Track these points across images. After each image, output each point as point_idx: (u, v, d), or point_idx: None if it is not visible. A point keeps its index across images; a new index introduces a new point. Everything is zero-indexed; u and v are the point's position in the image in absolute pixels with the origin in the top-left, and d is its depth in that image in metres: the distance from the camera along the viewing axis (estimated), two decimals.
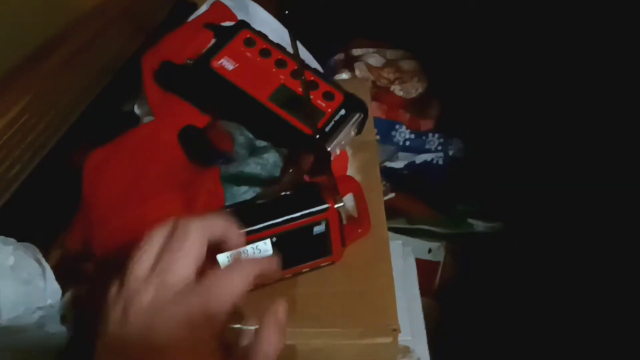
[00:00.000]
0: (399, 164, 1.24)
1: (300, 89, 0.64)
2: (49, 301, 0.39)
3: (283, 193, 0.56)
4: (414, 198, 1.19)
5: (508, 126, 1.17)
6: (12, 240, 0.39)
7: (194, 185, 0.60)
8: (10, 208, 0.51)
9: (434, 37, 1.27)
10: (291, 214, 0.54)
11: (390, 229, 0.93)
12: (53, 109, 0.60)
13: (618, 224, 0.94)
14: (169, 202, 0.59)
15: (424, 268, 1.04)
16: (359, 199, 0.61)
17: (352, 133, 0.67)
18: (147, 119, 0.71)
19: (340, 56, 1.29)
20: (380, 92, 1.24)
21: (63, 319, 0.51)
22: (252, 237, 0.53)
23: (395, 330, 0.53)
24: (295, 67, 0.65)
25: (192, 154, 0.64)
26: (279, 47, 0.67)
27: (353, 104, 0.65)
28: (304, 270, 0.58)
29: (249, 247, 0.53)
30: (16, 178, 0.54)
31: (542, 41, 1.14)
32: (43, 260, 0.40)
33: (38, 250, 0.40)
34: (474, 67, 1.24)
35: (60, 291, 0.40)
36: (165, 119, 0.67)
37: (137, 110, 0.75)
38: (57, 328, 0.48)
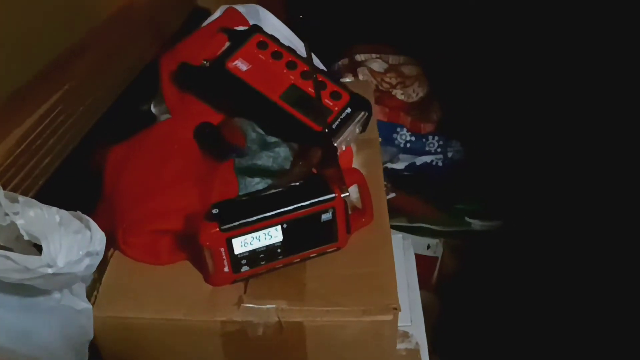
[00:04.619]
0: (399, 165, 1.29)
1: (310, 89, 0.70)
2: (97, 247, 0.44)
3: (293, 184, 0.61)
4: (414, 198, 1.23)
5: (506, 129, 1.21)
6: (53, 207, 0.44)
7: (209, 177, 0.65)
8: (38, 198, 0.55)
9: (435, 44, 1.32)
10: (301, 202, 0.59)
11: (391, 227, 0.98)
12: (80, 107, 0.65)
13: (612, 224, 0.98)
14: (186, 192, 0.64)
15: (423, 263, 1.09)
16: (363, 190, 0.65)
17: (357, 130, 0.72)
18: (163, 117, 0.76)
19: (344, 61, 1.34)
20: (383, 96, 1.29)
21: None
22: (264, 224, 0.58)
23: (396, 309, 0.57)
24: (305, 69, 0.70)
25: (206, 149, 0.69)
26: (289, 49, 0.72)
27: (358, 103, 0.70)
28: (311, 255, 0.62)
29: (260, 232, 0.58)
30: (46, 170, 0.59)
31: (538, 46, 1.18)
32: (84, 216, 0.45)
33: (74, 211, 0.46)
34: (474, 72, 1.29)
35: (104, 238, 0.46)
36: (181, 117, 0.72)
37: (153, 109, 0.79)
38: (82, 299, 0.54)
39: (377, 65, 1.34)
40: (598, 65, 1.07)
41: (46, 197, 0.62)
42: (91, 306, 0.57)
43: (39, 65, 0.69)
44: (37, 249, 0.48)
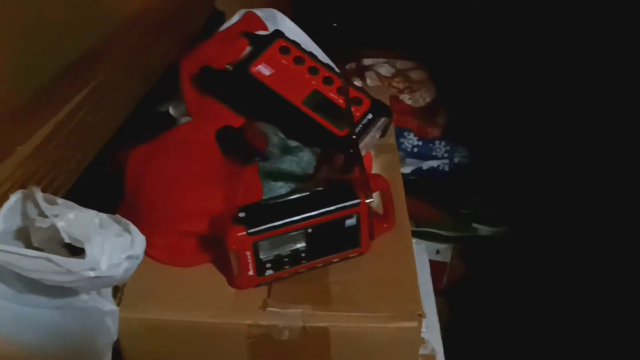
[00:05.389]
0: (406, 170, 1.30)
1: (331, 94, 0.70)
2: (138, 250, 0.44)
3: (318, 188, 0.62)
4: (421, 202, 1.23)
5: (512, 135, 1.22)
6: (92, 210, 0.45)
7: (233, 179, 0.65)
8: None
9: (442, 49, 1.32)
10: (326, 207, 0.59)
11: None
12: (107, 108, 0.65)
13: (618, 226, 0.99)
14: (210, 194, 0.64)
15: (433, 268, 1.09)
16: (386, 196, 0.66)
17: (377, 136, 0.73)
18: (183, 120, 0.76)
19: (352, 65, 1.34)
20: (390, 100, 1.30)
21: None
22: (290, 228, 0.58)
23: (420, 316, 0.57)
24: (327, 75, 0.71)
25: (229, 152, 0.69)
26: (311, 55, 0.73)
27: (379, 109, 0.71)
28: (334, 260, 0.62)
29: (286, 237, 0.59)
30: (75, 172, 0.59)
31: (544, 52, 1.19)
32: (122, 219, 0.45)
33: (112, 214, 0.46)
34: (480, 78, 1.29)
35: (145, 242, 0.46)
36: (203, 119, 0.72)
37: (172, 111, 0.80)
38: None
39: (385, 69, 1.35)
40: (604, 70, 1.08)
41: (69, 198, 0.63)
42: (117, 308, 0.57)
43: (58, 65, 0.68)
44: (69, 250, 0.48)
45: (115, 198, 0.68)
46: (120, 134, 0.76)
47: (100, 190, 0.69)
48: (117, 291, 0.60)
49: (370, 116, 0.70)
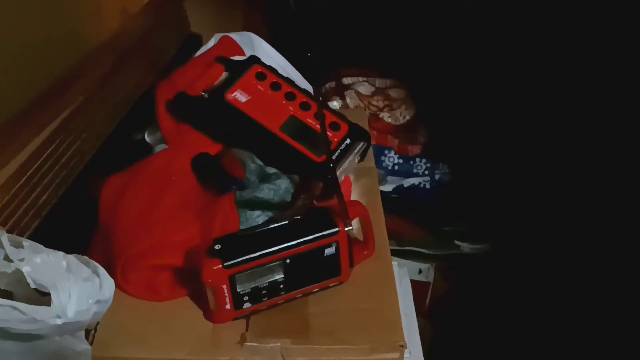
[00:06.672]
0: (387, 188, 1.29)
1: (309, 120, 0.69)
2: (107, 294, 0.43)
3: (295, 217, 0.60)
4: (403, 221, 1.23)
5: (494, 150, 1.22)
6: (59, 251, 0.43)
7: (210, 210, 0.64)
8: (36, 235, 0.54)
9: (421, 66, 1.32)
10: (304, 236, 0.58)
11: None
12: (78, 139, 0.63)
13: (602, 246, 0.99)
14: (186, 226, 0.63)
15: (415, 288, 1.08)
16: (365, 223, 0.65)
17: (356, 160, 0.72)
18: (159, 147, 0.75)
19: (331, 84, 1.34)
20: (370, 119, 1.29)
21: None
22: (267, 260, 0.57)
23: (402, 347, 0.56)
24: (304, 100, 0.70)
25: (205, 180, 0.68)
26: (288, 80, 0.72)
27: (357, 134, 0.70)
28: (314, 290, 0.61)
29: (263, 268, 0.57)
30: (44, 206, 0.57)
31: (521, 67, 1.20)
32: (91, 261, 0.44)
33: (80, 255, 0.44)
34: (460, 95, 1.30)
35: (114, 285, 0.44)
36: (178, 147, 0.71)
37: (147, 138, 0.78)
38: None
39: (364, 88, 1.34)
40: (586, 90, 1.09)
41: (41, 231, 0.61)
42: (90, 347, 0.55)
43: (29, 95, 0.67)
44: (39, 292, 0.46)
45: (89, 229, 0.66)
46: (95, 162, 0.75)
47: (74, 222, 0.68)
48: (91, 329, 0.58)
49: (348, 141, 0.70)
